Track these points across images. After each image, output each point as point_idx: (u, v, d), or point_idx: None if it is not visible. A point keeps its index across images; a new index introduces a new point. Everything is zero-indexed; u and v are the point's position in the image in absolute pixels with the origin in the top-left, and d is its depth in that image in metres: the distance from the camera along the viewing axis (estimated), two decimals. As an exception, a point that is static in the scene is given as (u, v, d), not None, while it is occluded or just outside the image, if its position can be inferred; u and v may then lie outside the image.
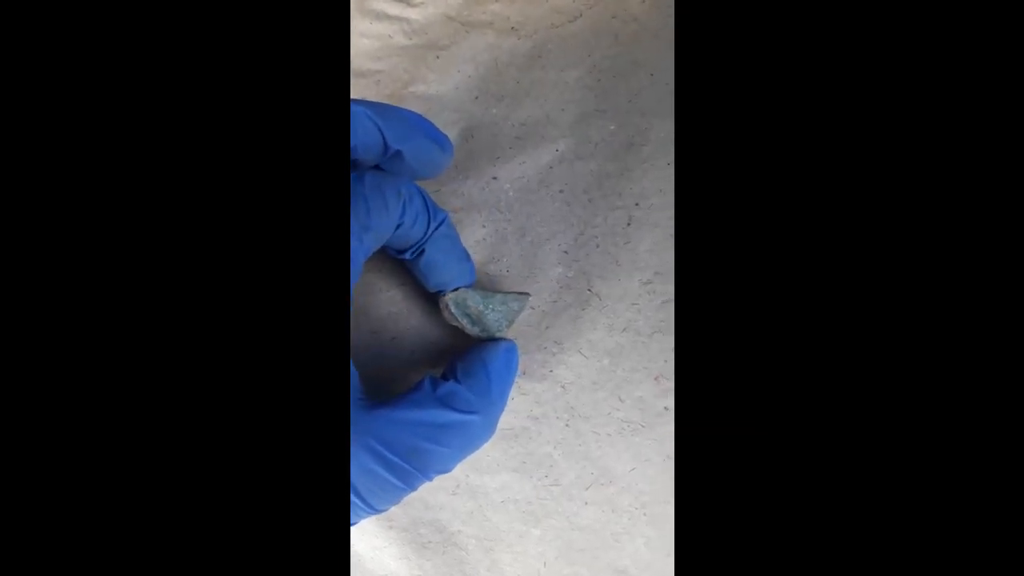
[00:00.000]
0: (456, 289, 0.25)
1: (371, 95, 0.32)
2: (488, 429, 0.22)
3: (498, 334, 0.25)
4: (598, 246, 0.27)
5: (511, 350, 0.24)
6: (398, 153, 0.23)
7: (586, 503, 0.25)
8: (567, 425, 0.26)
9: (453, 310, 0.25)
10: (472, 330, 0.25)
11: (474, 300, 0.25)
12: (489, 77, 0.32)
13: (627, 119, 0.29)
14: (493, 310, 0.26)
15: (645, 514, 0.25)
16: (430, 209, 0.24)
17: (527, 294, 0.27)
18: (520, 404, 0.26)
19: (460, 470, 0.26)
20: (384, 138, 0.23)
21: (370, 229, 0.22)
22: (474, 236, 0.29)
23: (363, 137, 0.22)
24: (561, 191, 0.29)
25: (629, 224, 0.27)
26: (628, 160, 0.28)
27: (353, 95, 0.32)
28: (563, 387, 0.26)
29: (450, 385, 0.22)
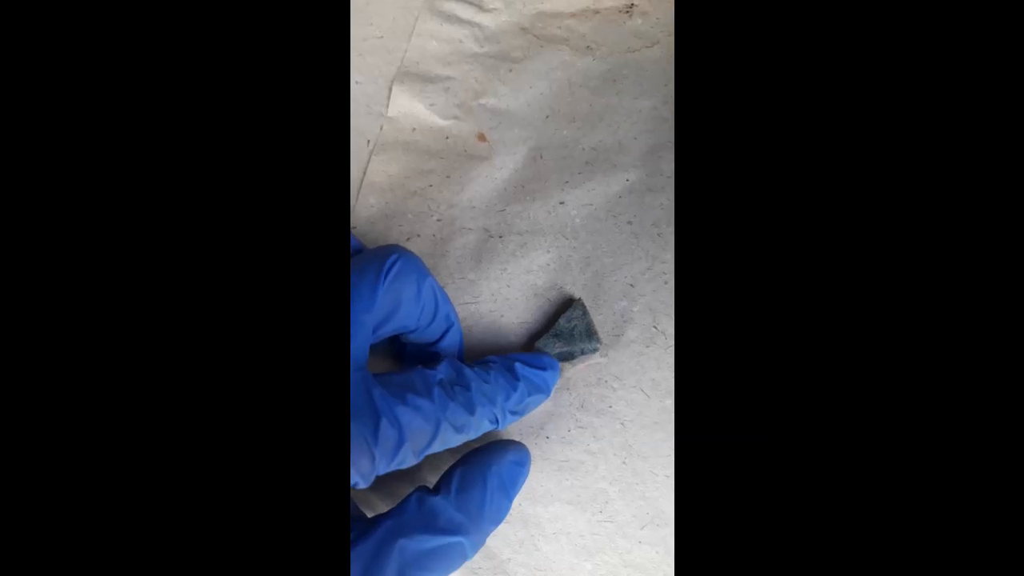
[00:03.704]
0: (535, 348, 0.26)
1: (439, 103, 0.31)
2: (475, 548, 0.21)
3: (593, 347, 0.26)
4: (666, 283, 0.27)
5: (521, 462, 0.23)
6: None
7: (640, 542, 0.25)
8: (624, 463, 0.26)
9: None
10: (576, 353, 0.26)
11: (555, 345, 0.26)
12: (562, 96, 0.31)
13: (701, 156, 0.29)
14: (573, 337, 0.26)
15: (700, 559, 0.25)
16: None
17: (574, 299, 0.27)
18: (578, 437, 0.26)
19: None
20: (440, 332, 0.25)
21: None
22: (538, 261, 0.28)
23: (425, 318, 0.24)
24: (630, 222, 0.29)
25: (697, 264, 0.27)
26: (699, 198, 0.28)
27: (420, 101, 0.31)
28: (622, 424, 0.26)
29: (436, 501, 0.21)
